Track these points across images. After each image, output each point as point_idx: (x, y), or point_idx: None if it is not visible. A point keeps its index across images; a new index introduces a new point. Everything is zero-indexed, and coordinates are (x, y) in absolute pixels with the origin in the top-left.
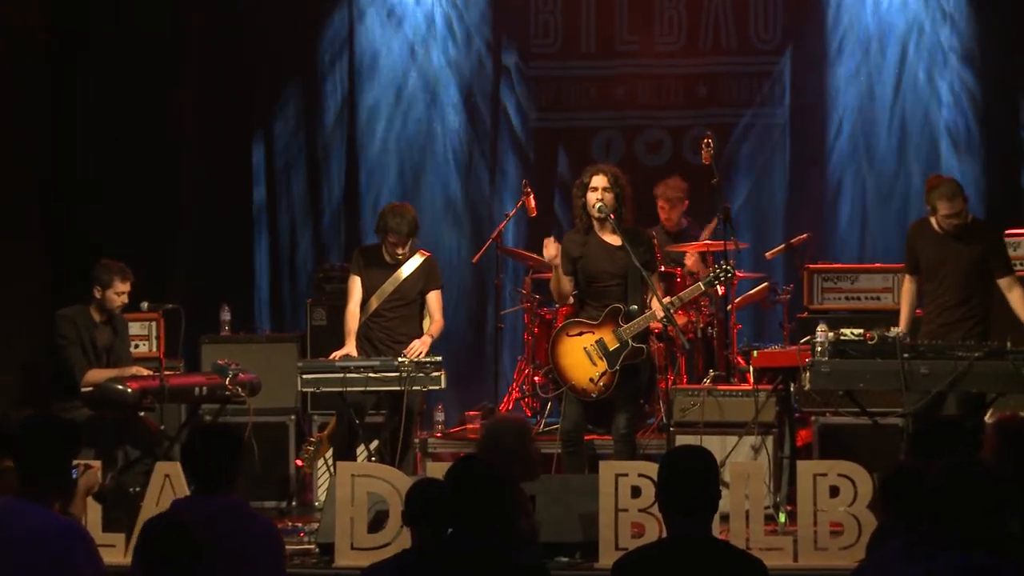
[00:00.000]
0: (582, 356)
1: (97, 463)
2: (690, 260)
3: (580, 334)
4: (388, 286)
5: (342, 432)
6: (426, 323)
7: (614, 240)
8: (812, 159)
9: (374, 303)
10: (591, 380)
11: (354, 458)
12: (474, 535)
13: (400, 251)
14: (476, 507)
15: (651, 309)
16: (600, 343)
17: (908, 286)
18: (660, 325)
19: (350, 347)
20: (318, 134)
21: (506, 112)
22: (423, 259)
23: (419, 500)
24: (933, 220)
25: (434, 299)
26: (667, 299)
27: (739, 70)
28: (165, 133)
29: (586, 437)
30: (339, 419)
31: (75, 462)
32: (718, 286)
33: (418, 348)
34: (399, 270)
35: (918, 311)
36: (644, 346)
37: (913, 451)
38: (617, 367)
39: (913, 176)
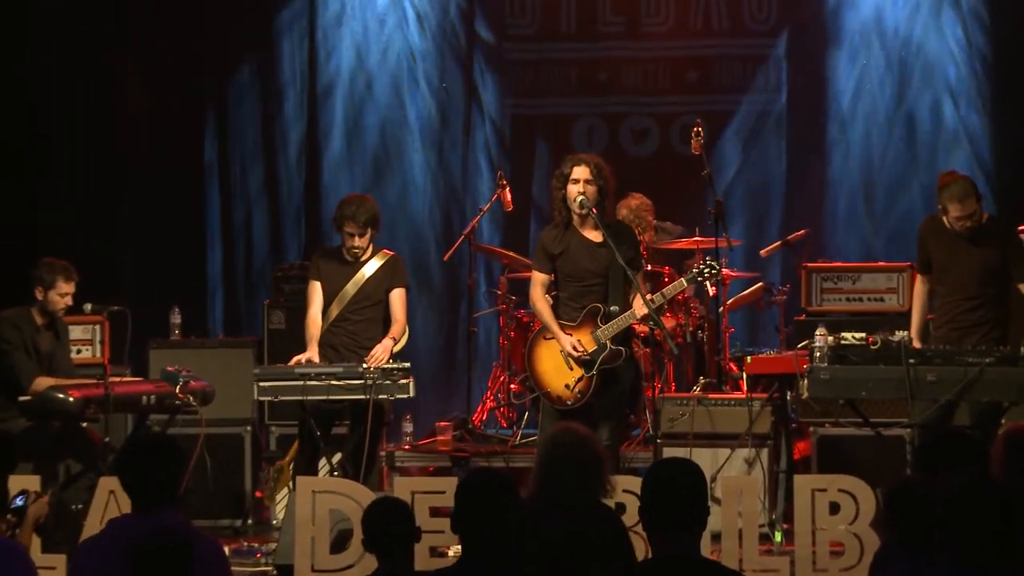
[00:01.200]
0: (559, 361)
1: (44, 493)
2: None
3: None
4: (351, 288)
5: (304, 452)
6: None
7: (595, 236)
8: (811, 149)
9: (335, 309)
10: (566, 386)
11: (315, 473)
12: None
13: (358, 244)
14: (479, 517)
15: (631, 309)
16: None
17: (920, 287)
18: (646, 328)
19: (312, 352)
20: (276, 120)
21: (479, 98)
22: (387, 258)
23: (379, 523)
24: (945, 218)
25: (397, 298)
26: (649, 296)
27: (732, 53)
28: (109, 118)
29: None
30: (301, 441)
31: (25, 490)
32: (707, 285)
33: (379, 355)
34: (361, 270)
35: (930, 315)
36: (624, 348)
37: (919, 465)
38: (594, 371)
39: (922, 166)
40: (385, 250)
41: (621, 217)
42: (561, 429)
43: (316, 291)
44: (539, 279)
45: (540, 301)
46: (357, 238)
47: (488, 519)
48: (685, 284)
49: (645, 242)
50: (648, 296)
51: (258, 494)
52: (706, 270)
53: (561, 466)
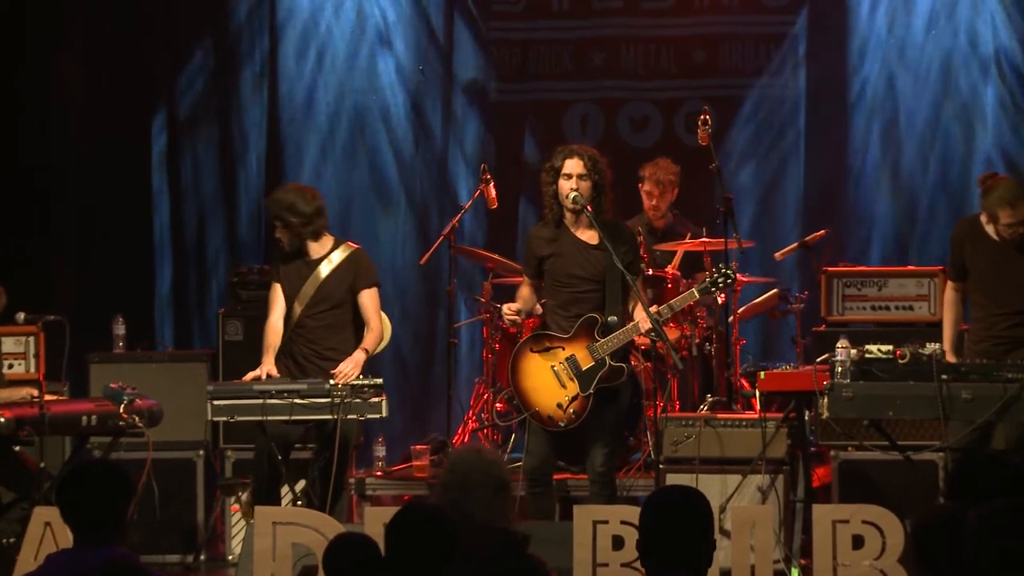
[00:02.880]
0: (549, 377)
1: None
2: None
3: (547, 350)
4: (308, 288)
5: (261, 472)
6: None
7: (590, 237)
8: (832, 140)
9: (297, 310)
10: (558, 406)
11: (277, 502)
12: None
13: (283, 239)
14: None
15: (634, 321)
16: (571, 361)
17: (951, 295)
18: (647, 340)
19: (268, 365)
20: (232, 108)
21: (460, 82)
22: (348, 252)
23: (340, 563)
24: (989, 226)
25: (367, 300)
26: (655, 308)
27: (744, 32)
28: (45, 105)
29: (557, 476)
30: (259, 466)
31: None
32: (716, 294)
33: (347, 371)
34: (319, 268)
35: (963, 325)
36: (624, 365)
37: (952, 493)
38: (591, 390)
39: (957, 160)
40: (349, 243)
41: (643, 174)
42: (464, 451)
43: (276, 294)
44: (525, 281)
45: (519, 296)
46: (277, 231)
47: (423, 558)
48: (696, 295)
49: (662, 211)
50: (654, 308)
51: (234, 508)
52: (720, 280)
53: (459, 490)
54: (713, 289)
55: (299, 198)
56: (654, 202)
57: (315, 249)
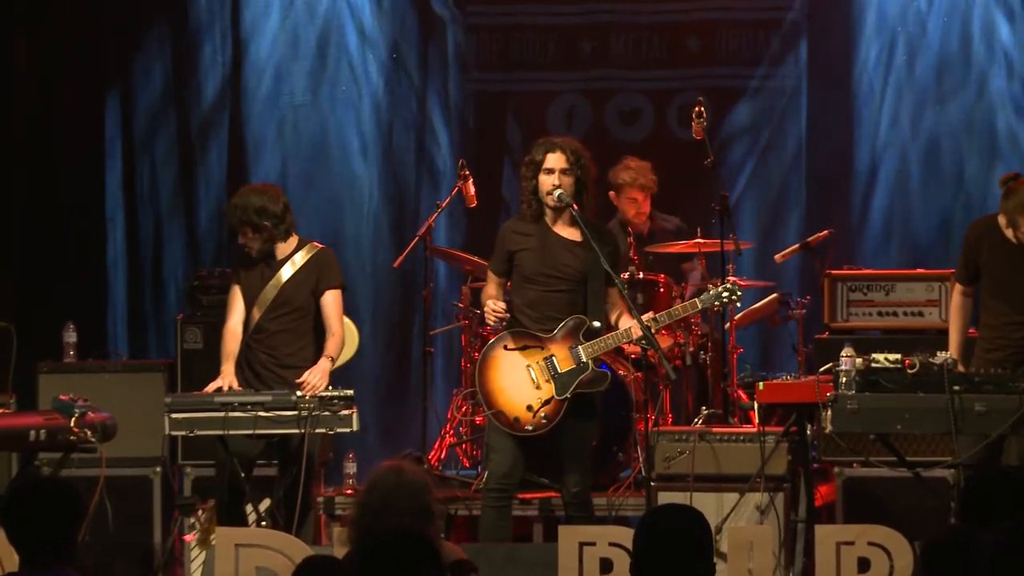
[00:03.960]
0: (522, 376)
1: None
2: (693, 272)
3: (524, 348)
4: (269, 291)
5: (223, 490)
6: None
7: (572, 234)
8: (836, 133)
9: (256, 315)
10: (528, 408)
11: (243, 522)
12: None
13: (250, 245)
14: None
15: (629, 325)
16: (550, 361)
17: (960, 299)
18: (638, 349)
19: (228, 375)
20: (192, 101)
21: (437, 71)
22: (313, 253)
23: None
24: (1008, 230)
25: (329, 302)
26: (650, 315)
27: (741, 18)
28: None
29: (540, 494)
30: (220, 484)
31: None
32: (719, 309)
33: (314, 381)
34: (281, 269)
35: (971, 331)
36: (607, 372)
37: (965, 512)
38: (568, 395)
39: (970, 154)
40: (314, 243)
41: (621, 181)
42: (386, 470)
43: (236, 297)
44: (491, 279)
45: (487, 297)
46: (243, 238)
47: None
48: (700, 306)
49: (645, 216)
50: (649, 315)
51: (187, 539)
52: (725, 293)
53: (378, 514)
54: (716, 304)
55: (265, 199)
56: (636, 209)
57: (280, 249)
